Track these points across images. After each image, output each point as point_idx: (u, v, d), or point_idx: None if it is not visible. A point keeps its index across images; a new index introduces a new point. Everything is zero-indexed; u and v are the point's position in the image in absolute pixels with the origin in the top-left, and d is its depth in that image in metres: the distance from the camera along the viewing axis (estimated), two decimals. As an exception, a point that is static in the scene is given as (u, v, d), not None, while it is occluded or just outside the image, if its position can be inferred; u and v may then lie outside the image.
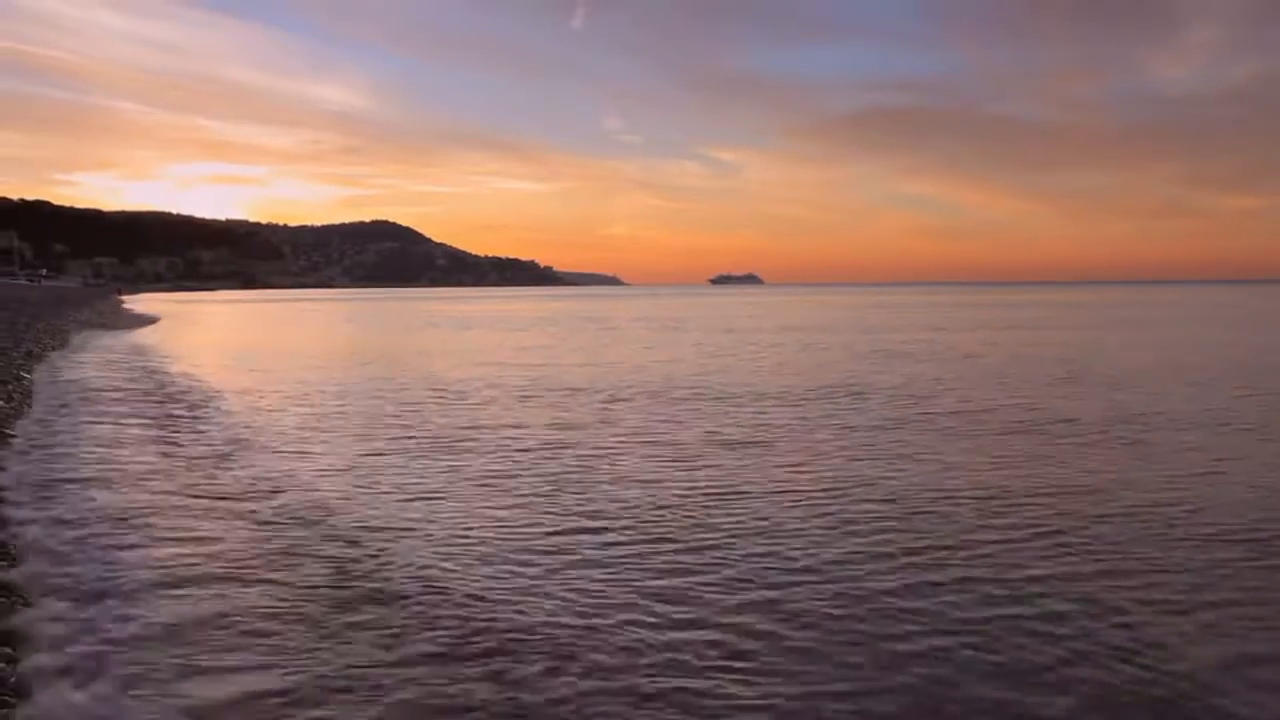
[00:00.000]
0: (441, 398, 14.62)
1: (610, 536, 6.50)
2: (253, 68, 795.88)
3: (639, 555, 6.05)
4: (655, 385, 16.06)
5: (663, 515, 7.07)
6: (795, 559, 5.99)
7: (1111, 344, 26.92)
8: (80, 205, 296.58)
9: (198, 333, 38.37)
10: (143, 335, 33.65)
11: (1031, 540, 6.41)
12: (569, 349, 25.87)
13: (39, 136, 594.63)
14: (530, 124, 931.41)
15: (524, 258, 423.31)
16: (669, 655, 4.44)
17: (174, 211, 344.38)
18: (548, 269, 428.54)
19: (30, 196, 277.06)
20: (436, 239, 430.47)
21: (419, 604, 5.08)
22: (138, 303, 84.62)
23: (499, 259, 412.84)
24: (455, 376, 18.00)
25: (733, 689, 4.10)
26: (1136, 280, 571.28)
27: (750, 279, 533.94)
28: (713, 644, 4.58)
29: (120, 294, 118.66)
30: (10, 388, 13.17)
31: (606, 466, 8.95)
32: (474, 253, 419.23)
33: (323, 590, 5.31)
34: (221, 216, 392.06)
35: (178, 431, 10.94)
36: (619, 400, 14.09)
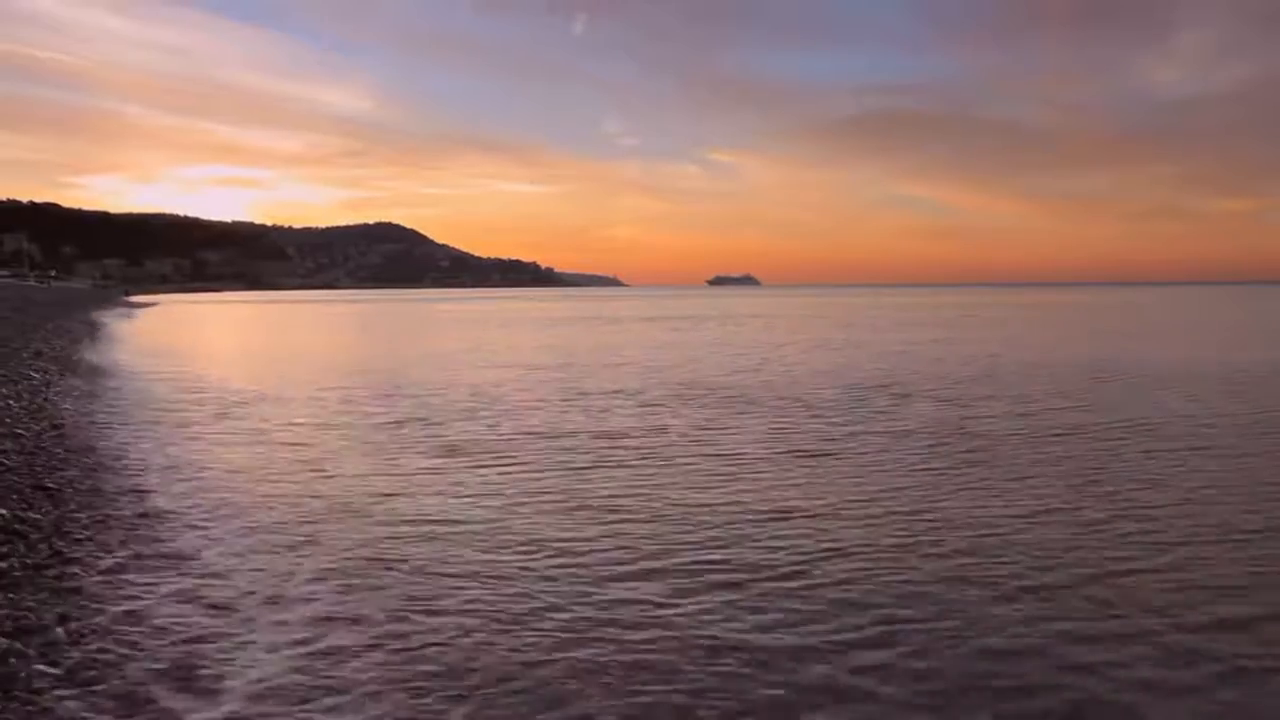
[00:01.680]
0: (448, 403, 15.39)
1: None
2: (257, 71, 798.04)
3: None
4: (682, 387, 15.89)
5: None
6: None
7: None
8: (88, 208, 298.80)
9: (192, 332, 39.92)
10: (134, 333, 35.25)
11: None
12: (587, 350, 26.50)
13: (47, 140, 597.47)
14: (532, 127, 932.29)
15: (525, 259, 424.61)
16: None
17: (180, 214, 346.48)
18: (549, 270, 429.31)
19: (39, 199, 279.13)
20: (439, 240, 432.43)
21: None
22: (144, 303, 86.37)
23: (501, 260, 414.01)
24: (460, 381, 19.16)
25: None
26: (1129, 282, 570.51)
27: (748, 280, 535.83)
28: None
29: (128, 294, 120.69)
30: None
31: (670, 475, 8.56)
32: (476, 254, 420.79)
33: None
34: (227, 219, 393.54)
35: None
36: (657, 403, 13.75)
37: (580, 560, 6.04)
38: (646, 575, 5.71)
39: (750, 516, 7.13)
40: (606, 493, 7.96)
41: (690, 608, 5.13)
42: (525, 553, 6.22)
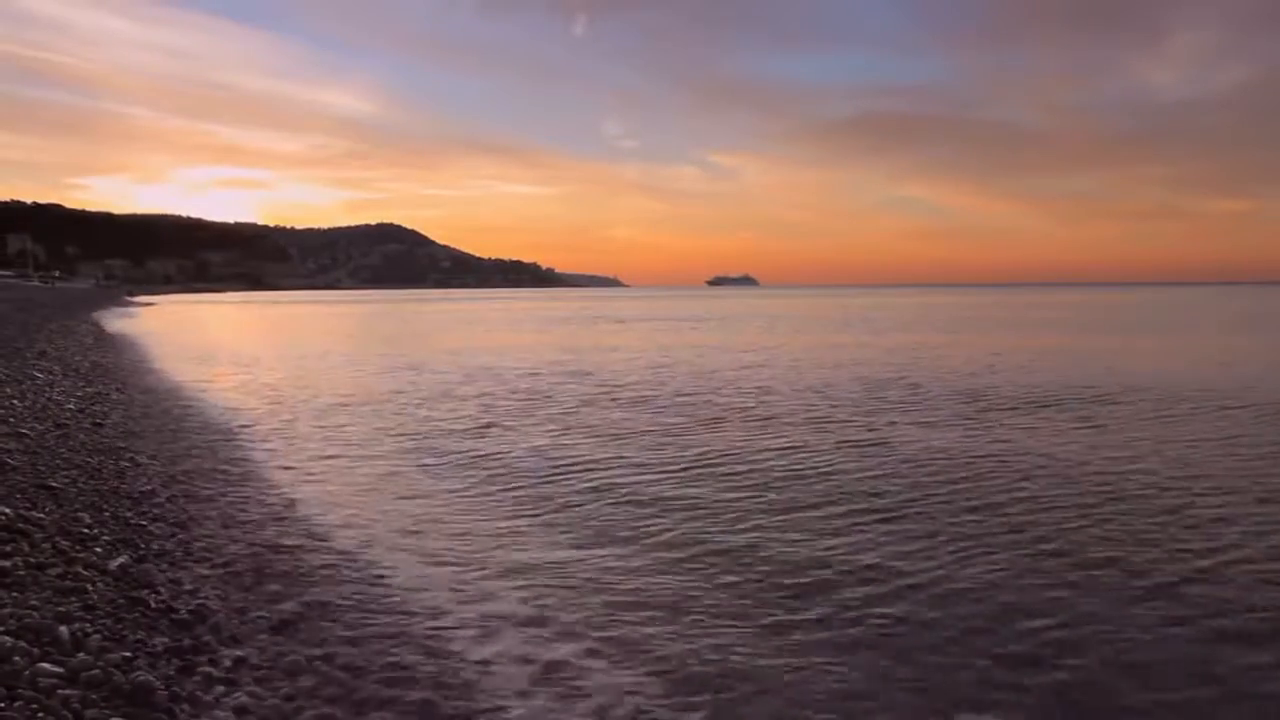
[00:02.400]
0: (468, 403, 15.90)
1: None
2: (261, 74, 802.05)
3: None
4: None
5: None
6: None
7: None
8: (92, 208, 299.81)
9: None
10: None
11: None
12: (605, 349, 27.21)
13: (52, 141, 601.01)
14: (532, 129, 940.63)
15: (526, 260, 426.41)
16: None
17: (184, 214, 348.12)
18: (549, 270, 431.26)
19: (43, 200, 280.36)
20: (441, 241, 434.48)
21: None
22: (148, 303, 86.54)
23: (502, 261, 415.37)
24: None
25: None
26: (1127, 282, 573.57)
27: (746, 280, 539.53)
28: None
29: (131, 295, 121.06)
30: None
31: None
32: (477, 255, 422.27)
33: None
34: (230, 219, 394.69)
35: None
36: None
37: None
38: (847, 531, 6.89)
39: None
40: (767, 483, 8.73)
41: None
42: (706, 520, 7.26)
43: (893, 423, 12.06)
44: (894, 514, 7.43)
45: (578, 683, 4.36)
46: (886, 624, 5.07)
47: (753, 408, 13.62)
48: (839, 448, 10.38)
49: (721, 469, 9.28)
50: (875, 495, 8.01)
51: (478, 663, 4.57)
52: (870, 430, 11.47)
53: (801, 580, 5.78)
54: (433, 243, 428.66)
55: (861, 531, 6.87)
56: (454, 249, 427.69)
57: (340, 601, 5.41)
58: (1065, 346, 26.85)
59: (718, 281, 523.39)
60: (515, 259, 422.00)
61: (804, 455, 9.96)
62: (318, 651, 4.63)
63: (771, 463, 9.58)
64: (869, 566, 6.03)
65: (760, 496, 8.08)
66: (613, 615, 5.20)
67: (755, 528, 7.01)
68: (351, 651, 4.68)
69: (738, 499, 7.95)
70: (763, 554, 6.32)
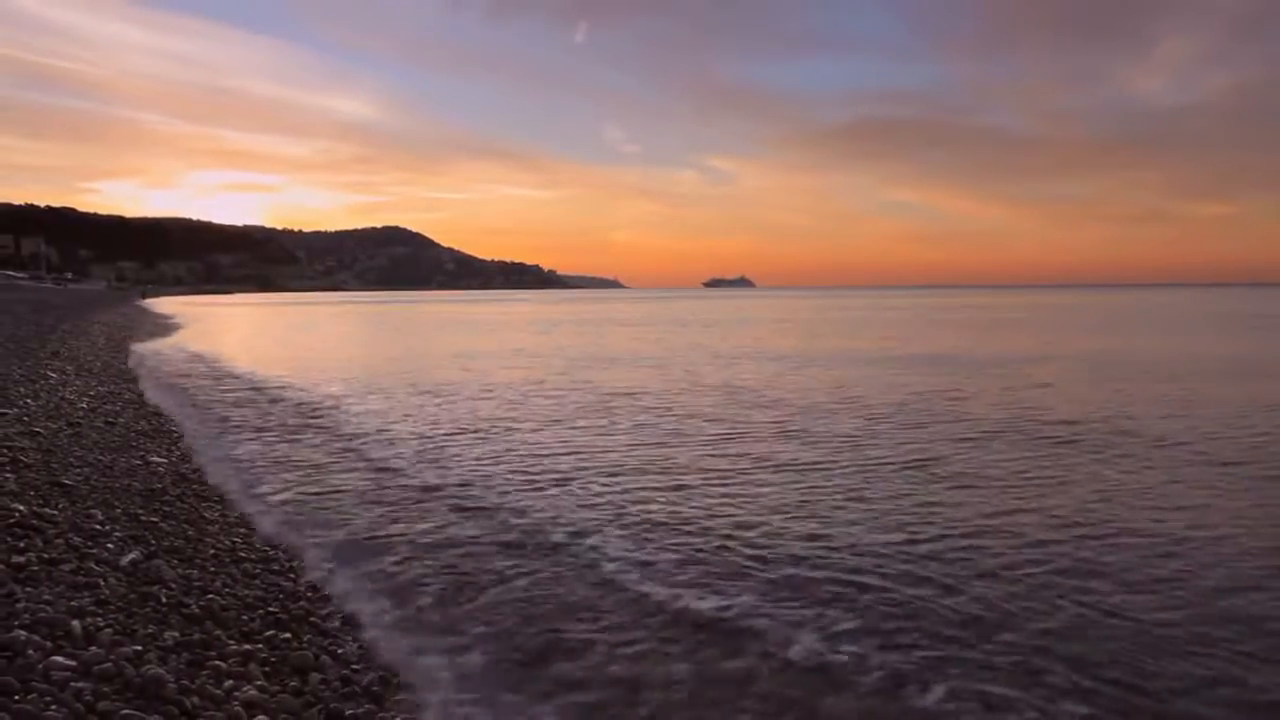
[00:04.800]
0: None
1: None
2: (269, 80, 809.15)
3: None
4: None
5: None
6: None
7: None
8: (104, 212, 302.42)
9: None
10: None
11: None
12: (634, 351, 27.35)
13: (65, 146, 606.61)
14: (535, 134, 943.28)
15: (529, 262, 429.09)
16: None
17: (194, 218, 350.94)
18: (551, 272, 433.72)
19: (57, 204, 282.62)
20: (445, 244, 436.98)
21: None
22: (160, 305, 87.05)
23: (505, 263, 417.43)
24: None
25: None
26: (1116, 284, 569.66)
27: (743, 282, 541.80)
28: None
29: (144, 296, 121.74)
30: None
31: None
32: (481, 257, 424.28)
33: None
34: (239, 223, 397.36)
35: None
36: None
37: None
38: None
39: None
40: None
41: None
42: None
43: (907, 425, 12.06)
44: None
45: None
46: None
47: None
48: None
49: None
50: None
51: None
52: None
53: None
54: (437, 245, 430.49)
55: None
56: (458, 251, 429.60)
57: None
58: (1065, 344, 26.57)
59: (715, 283, 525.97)
60: (518, 261, 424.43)
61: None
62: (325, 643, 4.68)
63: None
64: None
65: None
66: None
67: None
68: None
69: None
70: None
